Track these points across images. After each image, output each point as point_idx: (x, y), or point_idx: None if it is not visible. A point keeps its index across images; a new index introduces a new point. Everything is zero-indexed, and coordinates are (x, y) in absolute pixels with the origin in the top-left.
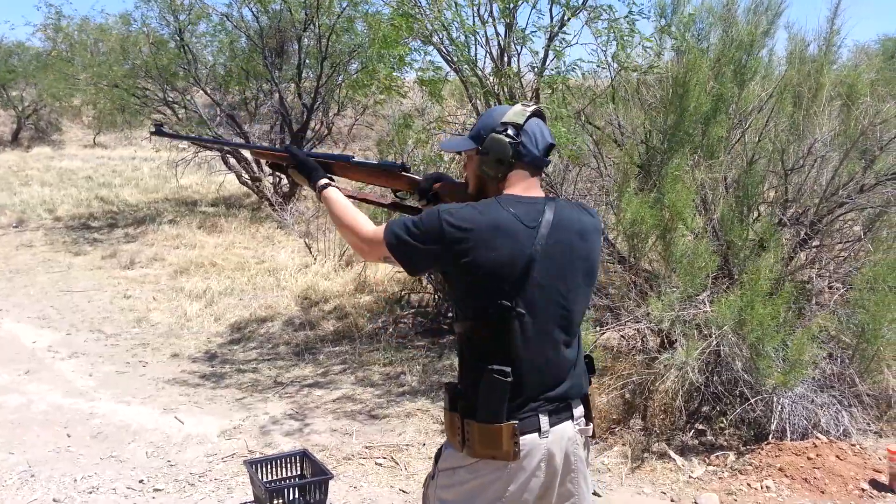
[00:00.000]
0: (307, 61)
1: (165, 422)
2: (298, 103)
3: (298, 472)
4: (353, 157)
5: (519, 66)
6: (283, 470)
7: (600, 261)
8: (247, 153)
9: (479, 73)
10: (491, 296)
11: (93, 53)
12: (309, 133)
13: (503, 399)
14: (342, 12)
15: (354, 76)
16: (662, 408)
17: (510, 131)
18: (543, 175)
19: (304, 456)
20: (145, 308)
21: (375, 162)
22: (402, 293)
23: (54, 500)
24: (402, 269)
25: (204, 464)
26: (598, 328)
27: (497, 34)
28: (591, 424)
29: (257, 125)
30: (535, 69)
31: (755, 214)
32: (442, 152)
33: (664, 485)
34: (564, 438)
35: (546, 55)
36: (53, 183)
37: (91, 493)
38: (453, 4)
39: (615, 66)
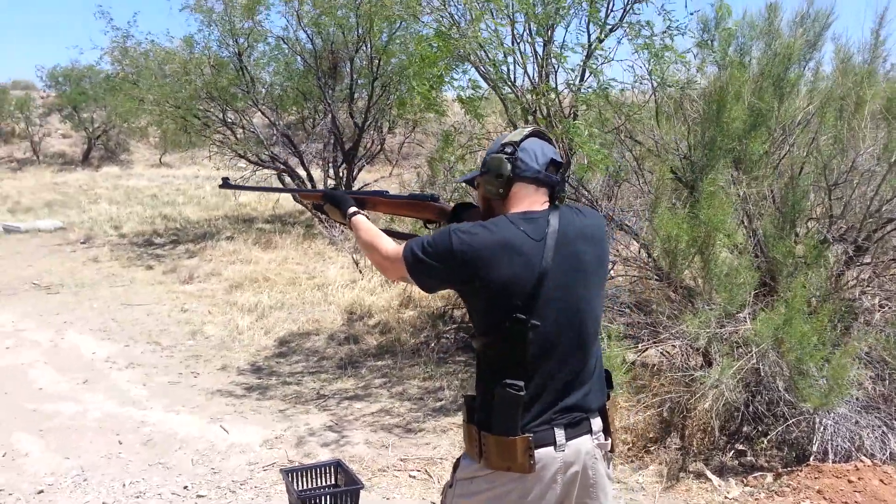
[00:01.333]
0: (359, 81)
1: (211, 431)
2: (350, 122)
3: (333, 482)
4: (387, 192)
5: (556, 83)
6: (318, 479)
7: (609, 261)
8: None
9: (517, 90)
10: (504, 311)
11: (157, 76)
12: (361, 151)
13: (517, 412)
14: (393, 34)
15: (402, 95)
16: (701, 427)
17: (507, 150)
18: (558, 191)
19: (339, 466)
20: (200, 321)
21: (406, 195)
22: (446, 308)
23: None
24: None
25: (246, 472)
26: (637, 345)
27: (535, 52)
28: (610, 439)
29: (312, 144)
30: (572, 87)
31: (801, 230)
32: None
33: None
34: (582, 452)
35: (583, 72)
36: (120, 201)
37: (138, 497)
38: (491, 24)
39: (654, 81)
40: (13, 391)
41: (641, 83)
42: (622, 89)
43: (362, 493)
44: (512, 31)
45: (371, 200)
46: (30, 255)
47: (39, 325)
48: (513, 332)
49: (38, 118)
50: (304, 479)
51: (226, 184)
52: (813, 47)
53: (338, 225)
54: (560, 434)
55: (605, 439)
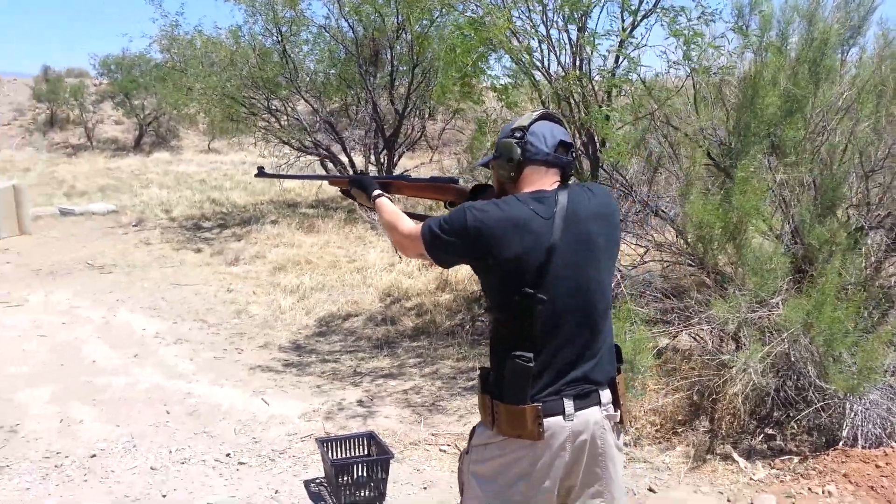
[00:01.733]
0: (400, 68)
1: (253, 403)
2: (391, 109)
3: (365, 453)
4: (409, 175)
5: (589, 69)
6: (352, 450)
7: (620, 237)
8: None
9: (549, 77)
10: (513, 286)
11: (204, 65)
12: (401, 138)
13: (526, 382)
14: (433, 20)
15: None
16: (730, 410)
17: (517, 134)
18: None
19: (371, 438)
20: (245, 301)
21: (427, 178)
22: (481, 293)
23: (151, 468)
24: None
25: (284, 442)
26: (667, 327)
27: (568, 39)
28: (619, 411)
29: (355, 131)
30: (604, 73)
31: (838, 217)
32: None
33: (723, 485)
34: (591, 422)
35: (617, 58)
36: (171, 186)
37: (183, 463)
38: (525, 12)
39: (689, 67)
40: (69, 364)
41: (676, 68)
42: (657, 74)
43: (394, 464)
44: (544, 18)
45: (395, 184)
46: (84, 237)
47: (93, 303)
48: (522, 306)
49: (92, 105)
50: (339, 448)
51: (261, 173)
52: (857, 32)
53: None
54: (569, 404)
55: (615, 411)
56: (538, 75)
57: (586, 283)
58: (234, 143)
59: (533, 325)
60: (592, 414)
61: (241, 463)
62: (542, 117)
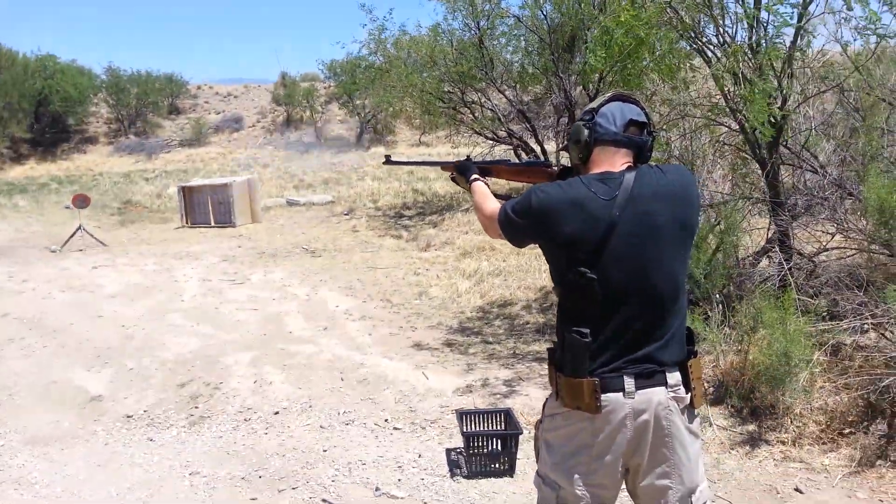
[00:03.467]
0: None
1: (414, 376)
2: (584, 94)
3: (503, 427)
4: (509, 160)
5: (766, 44)
6: (487, 423)
7: (697, 218)
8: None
9: (726, 52)
10: (570, 264)
11: (406, 64)
12: None
13: (584, 357)
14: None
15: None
16: None
17: (586, 117)
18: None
19: (508, 414)
20: (428, 284)
21: (523, 162)
22: None
23: (321, 427)
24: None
25: (437, 413)
26: (842, 321)
27: (746, 13)
28: (690, 393)
29: (548, 119)
30: (781, 46)
31: None
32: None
33: (885, 493)
34: (654, 402)
35: (796, 36)
36: (382, 177)
37: (348, 424)
38: None
39: (875, 34)
40: (270, 334)
41: (863, 35)
42: (846, 44)
43: (526, 441)
44: None
45: (495, 169)
46: (304, 224)
47: (301, 282)
48: (578, 284)
49: (321, 106)
50: (475, 421)
51: (388, 160)
52: None
53: None
54: (629, 382)
55: (685, 393)
56: (711, 52)
57: (647, 264)
58: (443, 137)
59: (590, 302)
60: (656, 394)
61: (395, 428)
62: (613, 98)
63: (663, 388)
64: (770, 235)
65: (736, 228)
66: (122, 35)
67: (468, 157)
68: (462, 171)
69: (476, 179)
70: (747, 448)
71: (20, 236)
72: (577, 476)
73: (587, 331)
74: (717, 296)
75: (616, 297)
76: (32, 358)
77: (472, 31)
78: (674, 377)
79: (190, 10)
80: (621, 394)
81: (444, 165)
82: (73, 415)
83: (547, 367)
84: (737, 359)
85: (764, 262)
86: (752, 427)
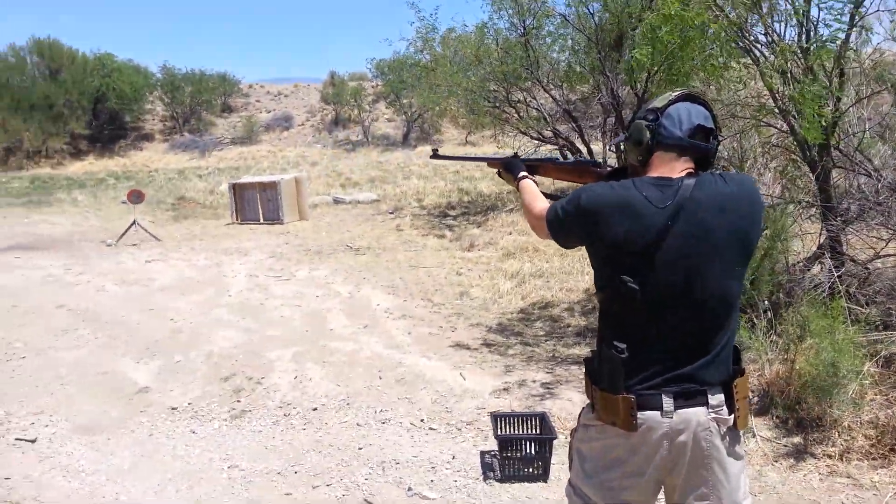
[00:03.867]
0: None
1: (452, 377)
2: (632, 94)
3: (538, 430)
4: (557, 159)
5: (816, 43)
6: (522, 427)
7: (758, 232)
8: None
9: (774, 52)
10: (612, 271)
11: (451, 63)
12: None
13: (619, 373)
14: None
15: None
16: None
17: (650, 117)
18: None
19: (543, 418)
20: (469, 284)
21: (571, 160)
22: None
23: (357, 424)
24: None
25: (473, 414)
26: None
27: (796, 11)
28: (734, 415)
29: (595, 119)
30: (834, 45)
31: None
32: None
33: None
34: (693, 423)
35: (849, 34)
36: (428, 176)
37: (384, 423)
38: None
39: None
40: (312, 330)
41: None
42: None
43: (561, 447)
44: None
45: (543, 167)
46: (349, 222)
47: (344, 280)
48: (619, 291)
49: (368, 105)
50: (510, 424)
51: (435, 154)
52: None
53: None
54: (668, 401)
55: (728, 415)
56: (759, 52)
57: (697, 278)
58: (489, 136)
59: (631, 312)
60: (696, 415)
61: (431, 429)
62: (682, 98)
63: (704, 408)
64: (821, 241)
65: (784, 233)
66: (177, 34)
67: (515, 153)
68: (509, 168)
69: (524, 177)
70: (791, 461)
71: (78, 230)
72: (608, 491)
73: (623, 346)
74: (765, 302)
75: (660, 310)
76: (84, 349)
77: (518, 30)
78: (717, 398)
79: (243, 10)
80: (659, 413)
81: (491, 162)
82: (121, 405)
83: (585, 376)
84: (783, 368)
85: (815, 268)
86: (797, 439)
